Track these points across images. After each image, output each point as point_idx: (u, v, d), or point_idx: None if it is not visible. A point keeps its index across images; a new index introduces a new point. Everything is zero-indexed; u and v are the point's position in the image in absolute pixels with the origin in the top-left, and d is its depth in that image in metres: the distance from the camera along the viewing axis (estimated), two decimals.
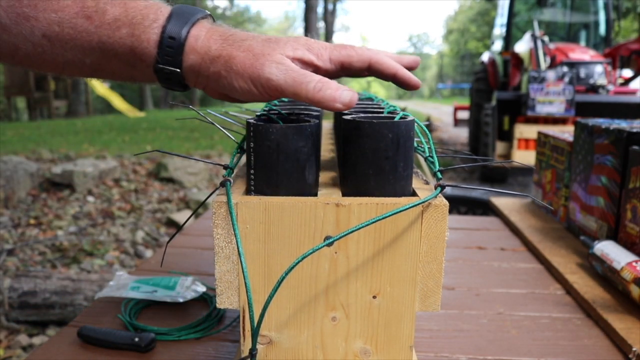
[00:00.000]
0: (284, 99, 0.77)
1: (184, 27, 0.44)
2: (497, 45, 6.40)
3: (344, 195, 0.44)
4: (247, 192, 0.44)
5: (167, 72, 0.46)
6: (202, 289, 0.86)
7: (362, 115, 0.48)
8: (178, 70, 0.45)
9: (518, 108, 4.54)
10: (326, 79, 0.42)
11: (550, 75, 4.26)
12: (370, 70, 0.48)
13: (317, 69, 0.46)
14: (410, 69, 0.50)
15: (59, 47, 0.46)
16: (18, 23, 0.44)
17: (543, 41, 4.99)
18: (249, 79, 0.43)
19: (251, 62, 0.42)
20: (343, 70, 0.48)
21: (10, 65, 0.48)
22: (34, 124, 10.08)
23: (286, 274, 0.38)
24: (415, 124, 0.46)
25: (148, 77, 0.48)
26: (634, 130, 0.95)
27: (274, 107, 0.58)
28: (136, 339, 0.69)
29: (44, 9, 0.44)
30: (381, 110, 0.54)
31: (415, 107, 19.43)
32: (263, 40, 0.44)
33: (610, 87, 4.62)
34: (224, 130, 0.59)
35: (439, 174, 0.46)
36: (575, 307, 0.85)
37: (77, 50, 0.46)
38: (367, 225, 0.40)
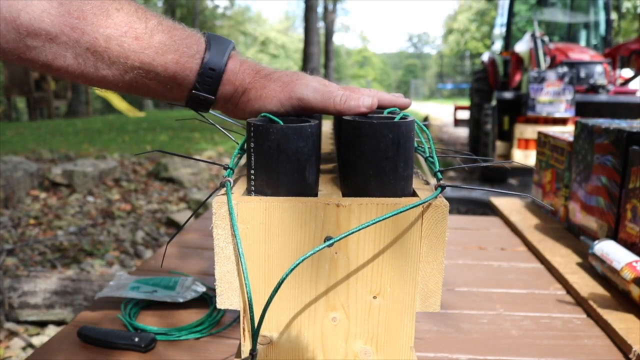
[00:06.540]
0: None
1: (222, 59, 0.50)
2: (497, 45, 6.40)
3: (344, 195, 0.44)
4: (248, 192, 0.44)
5: (202, 98, 0.51)
6: (202, 289, 0.86)
7: (362, 115, 0.48)
8: (212, 97, 0.51)
9: (518, 108, 4.54)
10: (348, 92, 0.49)
11: (550, 75, 4.26)
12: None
13: None
14: (403, 108, 0.58)
15: (101, 61, 0.48)
16: (65, 33, 0.45)
17: (543, 41, 4.99)
18: (278, 103, 0.49)
19: (282, 89, 0.49)
20: None
21: (47, 73, 0.49)
22: (34, 124, 10.07)
23: (287, 275, 0.38)
24: (415, 124, 0.46)
25: (179, 98, 0.53)
26: (634, 130, 0.95)
27: None
28: (136, 339, 0.69)
29: (93, 24, 0.46)
30: (381, 110, 0.54)
31: (415, 107, 19.44)
32: (290, 73, 0.52)
33: (610, 87, 4.62)
34: (224, 131, 0.59)
35: (439, 174, 0.46)
36: (575, 307, 0.85)
37: (120, 66, 0.48)
38: (368, 226, 0.40)
